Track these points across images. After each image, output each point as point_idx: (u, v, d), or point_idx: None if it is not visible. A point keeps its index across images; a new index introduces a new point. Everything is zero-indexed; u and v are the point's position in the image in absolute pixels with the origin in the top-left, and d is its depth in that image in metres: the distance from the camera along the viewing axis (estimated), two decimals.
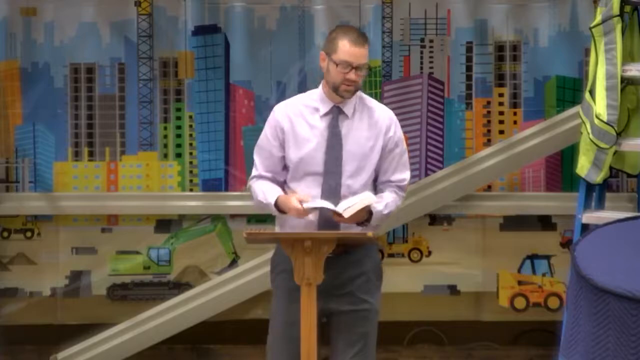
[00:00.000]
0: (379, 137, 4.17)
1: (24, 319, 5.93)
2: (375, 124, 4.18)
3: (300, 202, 4.03)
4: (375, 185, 4.24)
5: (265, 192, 4.16)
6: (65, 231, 5.93)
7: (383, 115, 4.23)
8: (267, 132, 4.22)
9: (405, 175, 4.25)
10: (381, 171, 4.20)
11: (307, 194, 4.08)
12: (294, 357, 4.06)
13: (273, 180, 4.20)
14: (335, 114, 4.15)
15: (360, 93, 4.23)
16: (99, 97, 5.92)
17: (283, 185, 4.21)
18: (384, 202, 4.16)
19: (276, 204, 4.11)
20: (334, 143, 4.13)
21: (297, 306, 4.04)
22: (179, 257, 5.98)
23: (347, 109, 4.16)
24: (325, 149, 4.12)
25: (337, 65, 4.09)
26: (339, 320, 4.13)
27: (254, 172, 4.26)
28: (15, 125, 5.89)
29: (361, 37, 4.14)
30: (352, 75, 4.08)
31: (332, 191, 4.10)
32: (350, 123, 4.16)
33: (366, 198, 4.04)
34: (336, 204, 4.04)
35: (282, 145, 4.18)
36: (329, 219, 4.06)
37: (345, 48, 4.08)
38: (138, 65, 5.89)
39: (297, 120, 4.17)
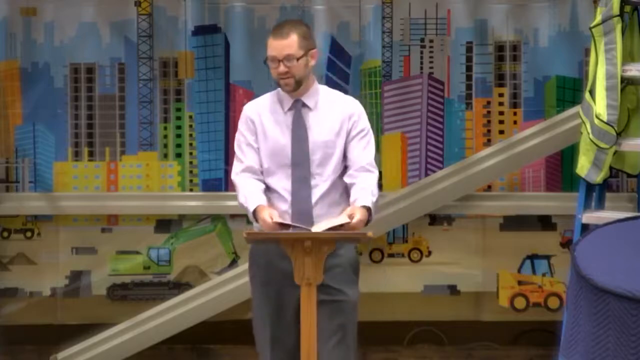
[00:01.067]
0: (343, 123, 4.22)
1: (24, 319, 5.93)
2: (340, 112, 4.23)
3: (272, 217, 4.06)
4: (346, 174, 4.23)
5: (247, 196, 4.19)
6: (65, 231, 5.93)
7: (348, 103, 4.30)
8: (241, 128, 4.31)
9: (372, 155, 4.24)
10: (349, 156, 4.22)
11: (280, 216, 4.10)
12: (282, 354, 4.13)
13: (259, 172, 4.23)
14: (299, 107, 4.22)
15: (325, 87, 4.34)
16: (99, 97, 5.92)
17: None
18: (366, 190, 4.14)
19: (254, 213, 4.14)
20: (299, 135, 4.19)
21: (273, 303, 4.14)
22: (179, 257, 5.97)
23: (310, 101, 4.23)
24: (292, 141, 4.18)
25: (268, 62, 4.18)
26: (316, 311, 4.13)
27: (237, 167, 4.27)
28: (15, 125, 5.89)
29: (284, 28, 4.18)
30: (281, 68, 4.14)
31: (303, 181, 4.16)
32: (315, 114, 4.22)
33: (338, 219, 4.05)
34: (307, 194, 4.13)
35: (257, 138, 4.25)
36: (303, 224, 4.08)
37: (269, 44, 4.18)
38: (138, 65, 5.89)
39: (265, 116, 4.26)
